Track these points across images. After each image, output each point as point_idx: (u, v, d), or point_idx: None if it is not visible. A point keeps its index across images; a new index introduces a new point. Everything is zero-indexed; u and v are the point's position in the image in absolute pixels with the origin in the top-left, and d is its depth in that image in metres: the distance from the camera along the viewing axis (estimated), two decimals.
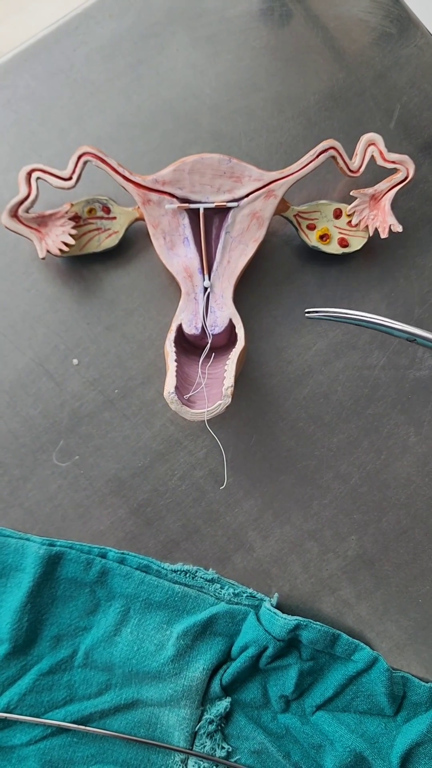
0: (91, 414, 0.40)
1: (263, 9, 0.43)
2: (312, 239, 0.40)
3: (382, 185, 0.38)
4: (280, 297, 0.41)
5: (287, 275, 0.41)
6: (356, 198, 0.39)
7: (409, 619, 0.40)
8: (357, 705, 0.38)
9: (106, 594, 0.39)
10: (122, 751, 0.38)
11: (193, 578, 0.39)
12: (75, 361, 0.40)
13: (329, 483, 0.41)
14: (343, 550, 0.40)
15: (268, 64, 0.42)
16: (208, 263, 0.38)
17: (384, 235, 0.38)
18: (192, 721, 0.38)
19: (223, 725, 0.38)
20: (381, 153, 0.37)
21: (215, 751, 0.38)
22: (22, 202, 0.37)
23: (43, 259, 0.38)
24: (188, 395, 0.35)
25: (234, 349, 0.36)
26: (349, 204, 0.39)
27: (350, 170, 0.38)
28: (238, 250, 0.38)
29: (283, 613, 0.38)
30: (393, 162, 0.37)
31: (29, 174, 0.36)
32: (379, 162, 0.37)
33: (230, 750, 0.38)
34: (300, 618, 0.37)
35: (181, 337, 0.38)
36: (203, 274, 0.38)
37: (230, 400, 0.33)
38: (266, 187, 0.37)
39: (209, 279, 0.38)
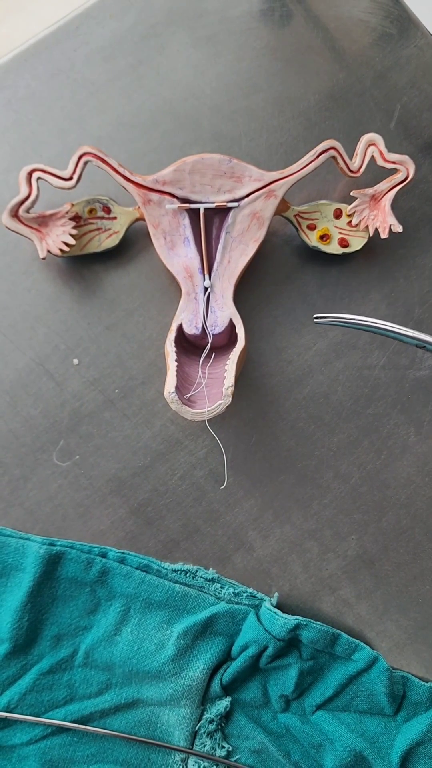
0: (91, 414, 0.40)
1: (263, 9, 0.43)
2: (312, 239, 0.40)
3: (383, 185, 0.38)
4: (280, 297, 0.41)
5: (287, 275, 0.41)
6: (356, 198, 0.39)
7: (409, 618, 0.40)
8: (357, 704, 0.38)
9: (106, 593, 0.39)
10: (122, 751, 0.38)
11: (193, 578, 0.39)
12: (75, 361, 0.40)
13: (329, 483, 0.41)
14: (343, 550, 0.40)
15: (269, 65, 0.42)
16: (208, 263, 0.38)
17: (384, 235, 0.38)
18: (192, 720, 0.38)
19: (223, 725, 0.38)
20: (381, 153, 0.37)
21: (215, 750, 0.38)
22: (22, 202, 0.37)
23: (43, 259, 0.38)
24: (188, 395, 0.35)
25: (234, 349, 0.36)
26: (350, 204, 0.39)
27: (350, 170, 0.38)
28: (238, 250, 0.38)
29: (283, 612, 0.38)
30: (393, 162, 0.37)
31: (30, 174, 0.36)
32: (380, 162, 0.38)
33: (230, 749, 0.38)
34: (300, 617, 0.37)
35: (181, 337, 0.38)
36: (203, 274, 0.38)
37: (230, 399, 0.33)
38: (267, 188, 0.37)
39: (209, 279, 0.38)
